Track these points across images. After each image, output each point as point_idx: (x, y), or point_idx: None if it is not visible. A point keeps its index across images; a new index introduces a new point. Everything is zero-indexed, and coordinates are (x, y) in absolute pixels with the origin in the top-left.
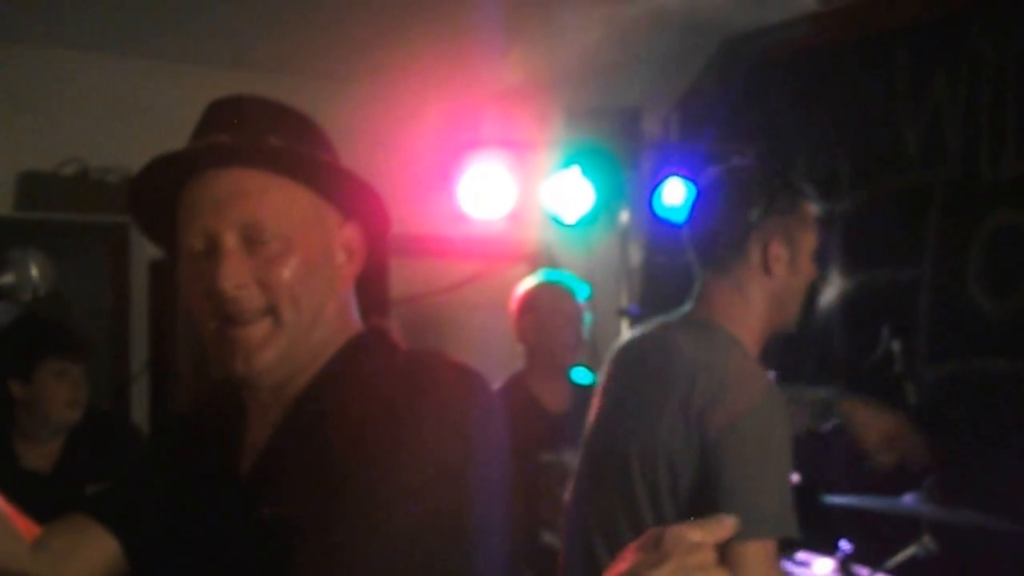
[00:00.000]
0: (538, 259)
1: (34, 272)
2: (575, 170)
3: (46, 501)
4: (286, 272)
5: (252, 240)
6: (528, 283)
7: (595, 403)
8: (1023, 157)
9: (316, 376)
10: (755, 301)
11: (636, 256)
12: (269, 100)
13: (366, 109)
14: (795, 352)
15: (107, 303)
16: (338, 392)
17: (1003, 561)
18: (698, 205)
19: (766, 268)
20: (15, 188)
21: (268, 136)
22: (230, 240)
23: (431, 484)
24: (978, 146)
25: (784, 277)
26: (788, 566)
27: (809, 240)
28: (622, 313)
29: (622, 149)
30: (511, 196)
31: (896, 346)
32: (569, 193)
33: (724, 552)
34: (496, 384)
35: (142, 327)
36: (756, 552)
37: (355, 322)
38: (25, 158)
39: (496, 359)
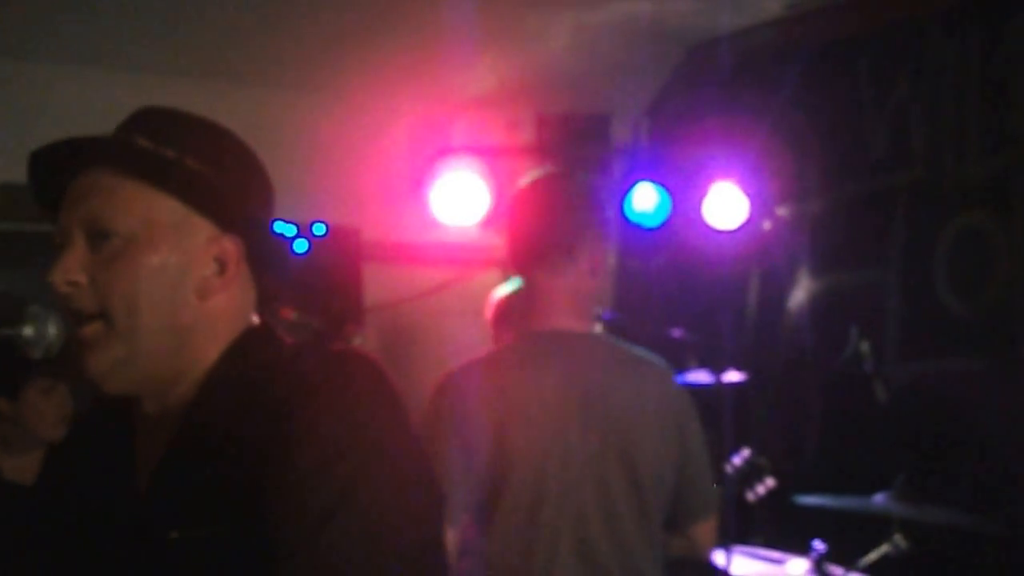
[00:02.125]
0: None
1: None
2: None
3: (26, 512)
4: (122, 273)
5: (94, 236)
6: (504, 291)
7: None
8: (986, 159)
9: (201, 384)
10: (587, 304)
11: (609, 261)
12: (182, 112)
13: (337, 118)
14: (765, 352)
15: None
16: (227, 399)
17: (973, 559)
18: (530, 210)
19: (593, 272)
20: None
21: (141, 140)
22: (73, 235)
23: (344, 483)
24: (942, 148)
25: (603, 280)
26: (764, 565)
27: (611, 246)
28: (597, 319)
29: (592, 155)
30: (483, 202)
31: (865, 347)
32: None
33: (689, 532)
34: None
35: None
36: (715, 523)
37: (240, 328)
38: (1, 170)
39: None
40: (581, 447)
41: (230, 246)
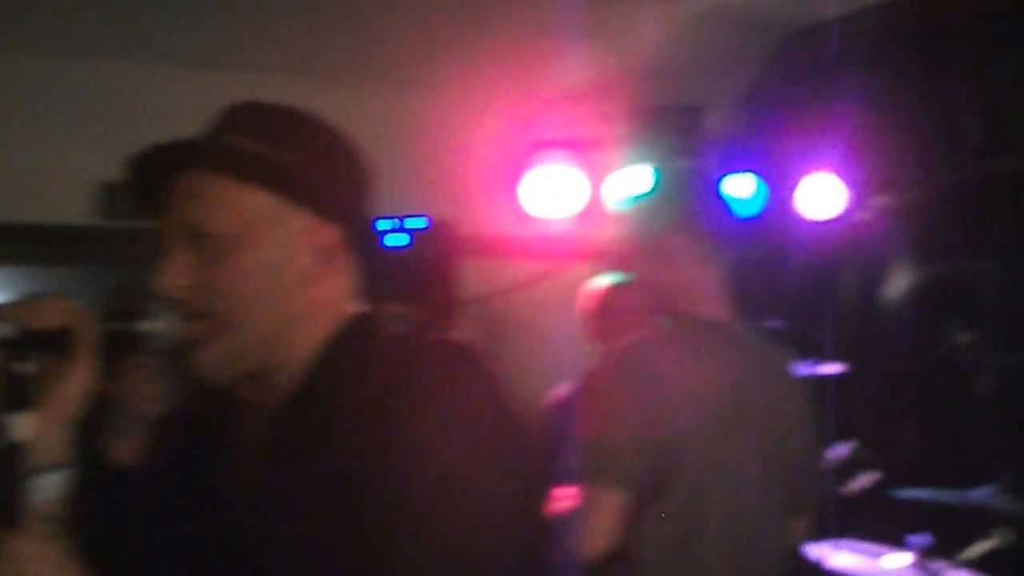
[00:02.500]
0: (607, 257)
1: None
2: (641, 167)
3: (129, 494)
4: (226, 272)
5: (195, 240)
6: (600, 284)
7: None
8: None
9: (301, 374)
10: None
11: None
12: (272, 104)
13: (434, 113)
14: (863, 344)
15: None
16: (326, 390)
17: None
18: (691, 196)
19: None
20: (96, 198)
21: (230, 137)
22: (175, 240)
23: (443, 477)
24: None
25: None
26: (862, 558)
27: None
28: None
29: (686, 146)
30: (578, 195)
31: (964, 338)
32: (637, 189)
33: (792, 523)
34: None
35: None
36: (812, 517)
37: (339, 315)
38: (106, 168)
39: (567, 356)
40: (740, 437)
41: (328, 235)
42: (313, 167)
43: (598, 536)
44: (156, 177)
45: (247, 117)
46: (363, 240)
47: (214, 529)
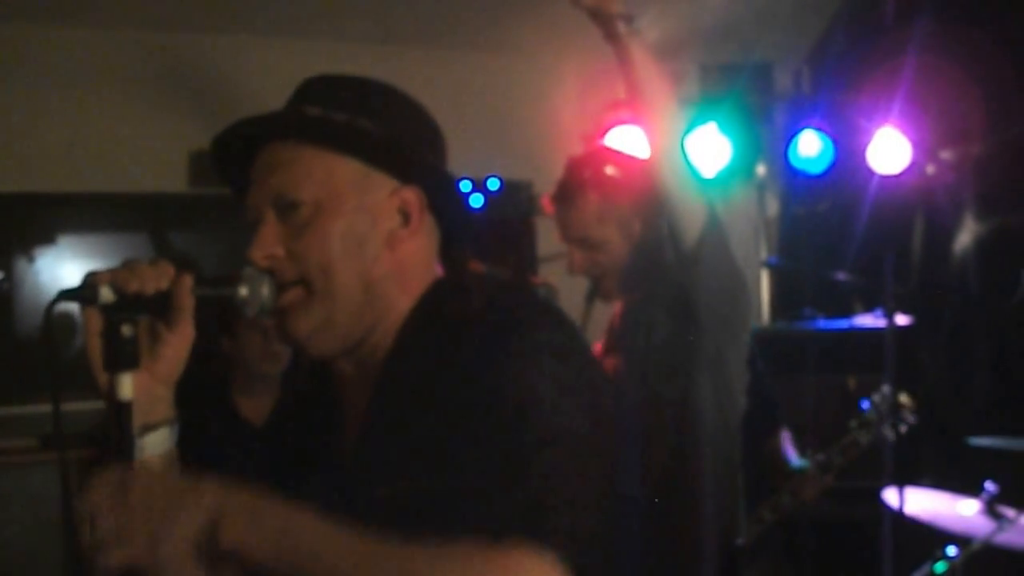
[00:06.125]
0: None
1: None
2: (711, 126)
3: (254, 449)
4: (314, 239)
5: (283, 209)
6: None
7: None
8: None
9: (396, 335)
10: None
11: (773, 207)
12: (347, 75)
13: (508, 76)
14: (931, 296)
15: None
16: (423, 350)
17: None
18: None
19: None
20: (188, 167)
21: (310, 108)
22: (264, 211)
23: (543, 429)
24: None
25: None
26: (934, 505)
27: None
28: (764, 264)
29: (756, 104)
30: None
31: None
32: (706, 148)
33: None
34: None
35: None
36: None
37: (428, 276)
38: (196, 138)
39: None
40: None
41: (411, 196)
42: (394, 132)
43: None
44: (241, 150)
45: (324, 88)
46: (449, 197)
47: (323, 491)
